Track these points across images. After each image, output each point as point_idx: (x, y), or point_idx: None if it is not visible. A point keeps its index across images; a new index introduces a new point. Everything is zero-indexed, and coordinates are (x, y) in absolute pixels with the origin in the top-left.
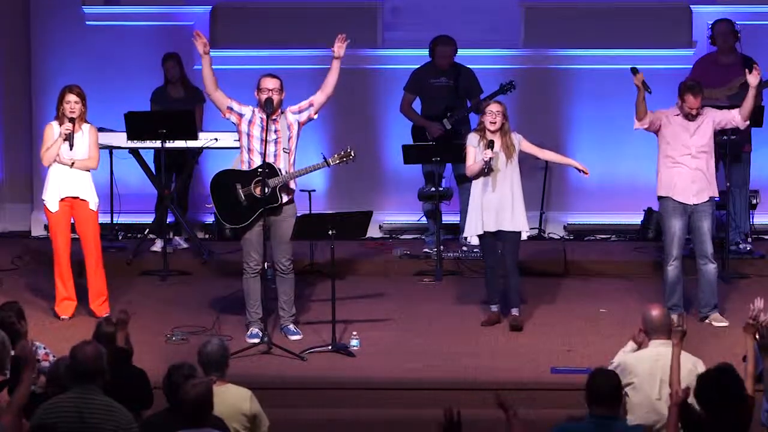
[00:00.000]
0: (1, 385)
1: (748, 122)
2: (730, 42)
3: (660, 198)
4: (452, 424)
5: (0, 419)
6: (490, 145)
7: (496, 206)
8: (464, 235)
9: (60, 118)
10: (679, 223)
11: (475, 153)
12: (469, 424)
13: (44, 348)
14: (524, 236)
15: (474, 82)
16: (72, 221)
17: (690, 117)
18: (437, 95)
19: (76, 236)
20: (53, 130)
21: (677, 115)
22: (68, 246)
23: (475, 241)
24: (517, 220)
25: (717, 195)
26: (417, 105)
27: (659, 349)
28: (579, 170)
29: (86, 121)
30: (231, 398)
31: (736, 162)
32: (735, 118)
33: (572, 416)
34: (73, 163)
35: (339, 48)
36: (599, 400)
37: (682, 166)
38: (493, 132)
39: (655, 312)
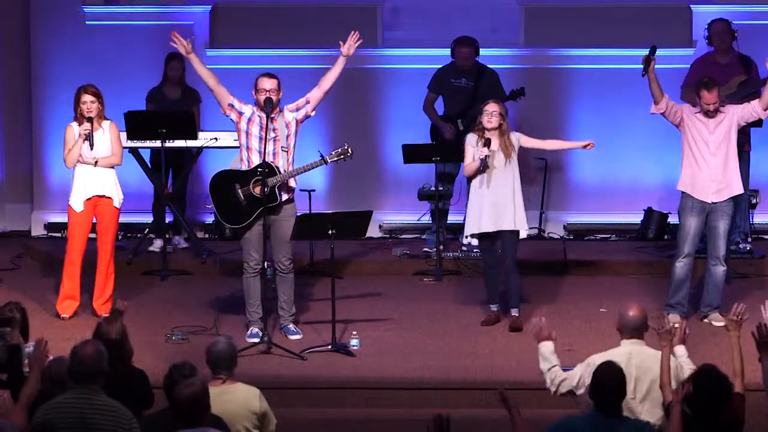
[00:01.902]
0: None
1: None
2: (727, 41)
3: (681, 193)
4: (441, 428)
5: (11, 418)
6: (487, 143)
7: (494, 206)
8: (464, 235)
9: (79, 118)
10: (696, 221)
11: (473, 152)
12: (469, 423)
13: None
14: (523, 235)
15: (496, 85)
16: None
17: (709, 114)
18: (456, 95)
19: (93, 236)
20: (73, 131)
21: (698, 112)
22: (84, 245)
23: (475, 242)
24: (517, 220)
25: (741, 192)
26: (440, 104)
27: (630, 348)
28: (585, 146)
29: (106, 118)
30: (241, 397)
31: (742, 161)
32: (755, 108)
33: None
34: (96, 162)
35: (350, 47)
36: (603, 396)
37: (702, 163)
38: (490, 131)
39: (633, 312)
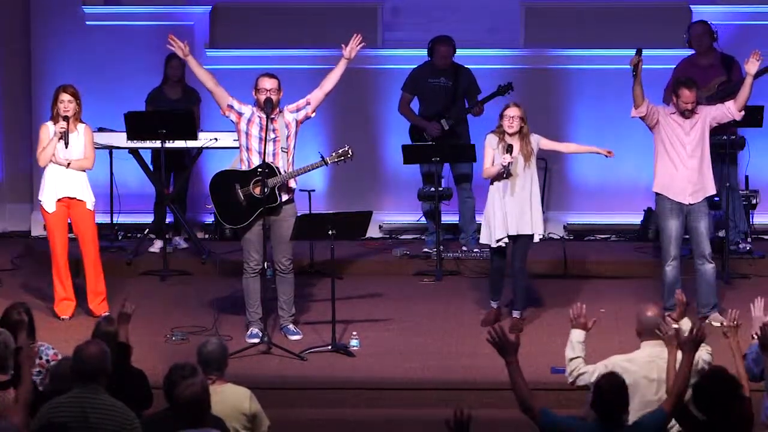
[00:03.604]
0: (4, 384)
1: (743, 112)
2: (706, 44)
3: (656, 195)
4: (461, 424)
5: (10, 419)
6: (509, 149)
7: (514, 211)
8: (486, 239)
9: (55, 118)
10: (676, 223)
11: (493, 155)
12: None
13: (53, 349)
14: (536, 239)
15: (473, 83)
16: (69, 221)
17: (686, 113)
18: (436, 95)
19: (74, 236)
20: (48, 130)
21: (673, 113)
22: (66, 246)
23: (503, 242)
24: (534, 224)
25: (714, 193)
26: (416, 105)
27: (653, 350)
28: (604, 155)
29: (81, 121)
30: (231, 398)
31: (732, 162)
32: (730, 109)
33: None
34: (69, 164)
35: (351, 50)
36: (604, 407)
37: (678, 165)
38: (511, 135)
39: (650, 313)
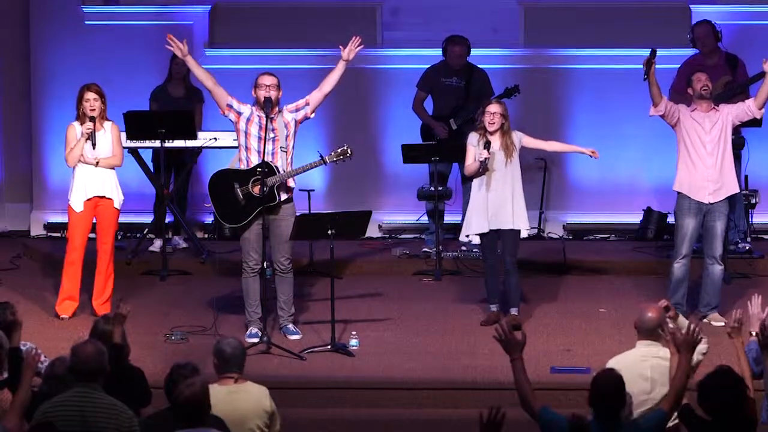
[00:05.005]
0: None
1: (763, 110)
2: (710, 44)
3: (677, 194)
4: (493, 424)
5: (3, 422)
6: (487, 145)
7: (494, 206)
8: (464, 233)
9: (80, 117)
10: (693, 222)
11: (474, 152)
12: (469, 423)
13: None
14: (524, 234)
15: (486, 84)
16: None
17: (704, 93)
18: (448, 95)
19: (92, 235)
20: (75, 130)
21: (693, 110)
22: (84, 246)
23: (476, 240)
24: (517, 219)
25: (737, 192)
26: (429, 103)
27: (645, 350)
28: (588, 154)
29: (107, 119)
30: (254, 396)
31: (735, 162)
32: (750, 107)
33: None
34: (98, 162)
35: (350, 51)
36: (601, 404)
37: (698, 163)
38: (491, 132)
39: (650, 314)
